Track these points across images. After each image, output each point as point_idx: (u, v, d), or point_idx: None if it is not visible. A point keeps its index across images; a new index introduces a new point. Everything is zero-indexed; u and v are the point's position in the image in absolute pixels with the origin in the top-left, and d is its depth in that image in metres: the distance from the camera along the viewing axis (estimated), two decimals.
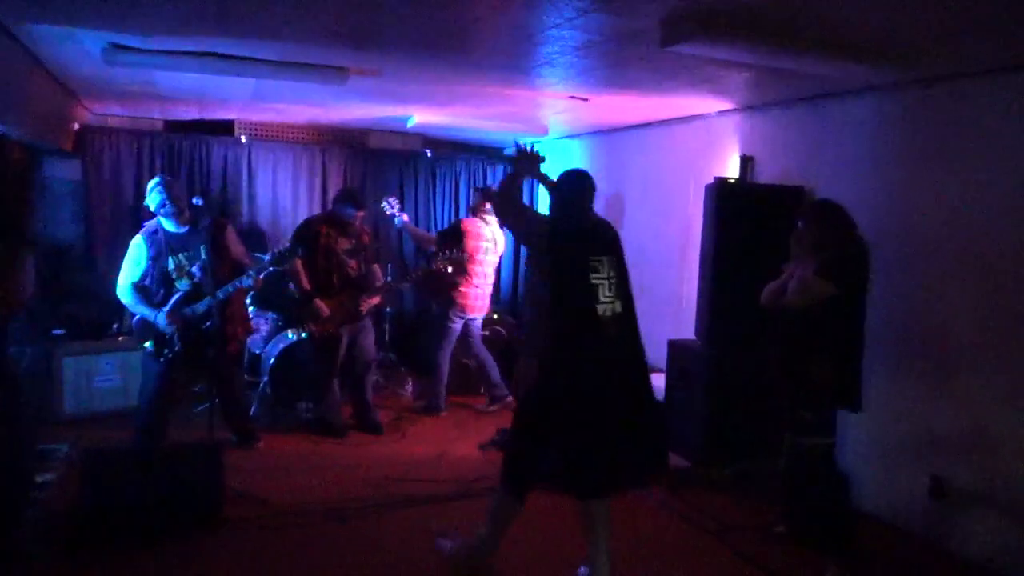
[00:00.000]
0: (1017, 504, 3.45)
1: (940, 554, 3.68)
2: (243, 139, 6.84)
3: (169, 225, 4.27)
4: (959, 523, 3.68)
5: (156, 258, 4.22)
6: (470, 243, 5.63)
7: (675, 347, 4.93)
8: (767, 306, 3.61)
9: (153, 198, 4.23)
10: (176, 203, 4.23)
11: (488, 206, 5.74)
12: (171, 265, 4.23)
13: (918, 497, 3.83)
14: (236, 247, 4.55)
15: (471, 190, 7.43)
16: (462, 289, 5.67)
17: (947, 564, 3.61)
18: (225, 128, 6.91)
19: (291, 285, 5.25)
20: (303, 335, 5.36)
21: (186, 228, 4.29)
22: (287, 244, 4.46)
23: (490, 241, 5.79)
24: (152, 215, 4.38)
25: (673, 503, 4.22)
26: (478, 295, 5.76)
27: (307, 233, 5.05)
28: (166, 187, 4.23)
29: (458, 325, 5.75)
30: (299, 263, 4.91)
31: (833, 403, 3.46)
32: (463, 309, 5.70)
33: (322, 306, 4.97)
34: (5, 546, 3.25)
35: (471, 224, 5.76)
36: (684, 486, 4.42)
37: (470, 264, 5.62)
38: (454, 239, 5.63)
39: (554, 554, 3.58)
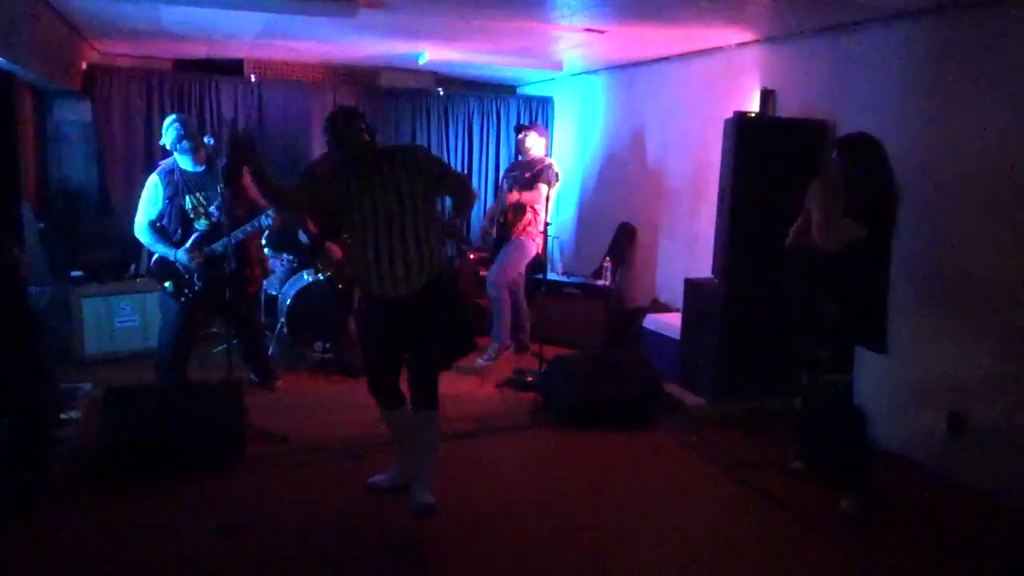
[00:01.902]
0: None
1: (956, 489, 3.69)
2: (253, 78, 6.73)
3: (185, 164, 4.24)
4: (976, 459, 3.68)
5: (173, 197, 4.20)
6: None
7: (691, 285, 4.89)
8: (793, 247, 3.53)
9: (169, 134, 4.19)
10: (193, 139, 4.19)
11: (530, 135, 5.69)
12: (188, 204, 4.22)
13: (936, 434, 3.83)
14: (252, 188, 4.52)
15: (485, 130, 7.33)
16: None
17: (963, 498, 3.62)
18: (234, 68, 6.80)
19: (301, 234, 5.24)
20: (319, 276, 5.36)
21: (202, 167, 4.26)
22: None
23: None
24: (167, 154, 4.35)
25: (689, 440, 4.24)
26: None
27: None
28: (183, 123, 4.20)
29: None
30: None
31: (850, 341, 3.43)
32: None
33: (333, 248, 4.96)
34: (34, 480, 3.33)
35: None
36: (700, 423, 4.45)
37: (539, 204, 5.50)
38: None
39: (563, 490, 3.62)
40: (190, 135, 4.19)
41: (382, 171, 3.11)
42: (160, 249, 4.23)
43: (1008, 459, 3.55)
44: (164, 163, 4.31)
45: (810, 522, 3.34)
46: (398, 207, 3.09)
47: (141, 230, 4.25)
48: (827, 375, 3.44)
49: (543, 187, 5.42)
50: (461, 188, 3.35)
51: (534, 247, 5.61)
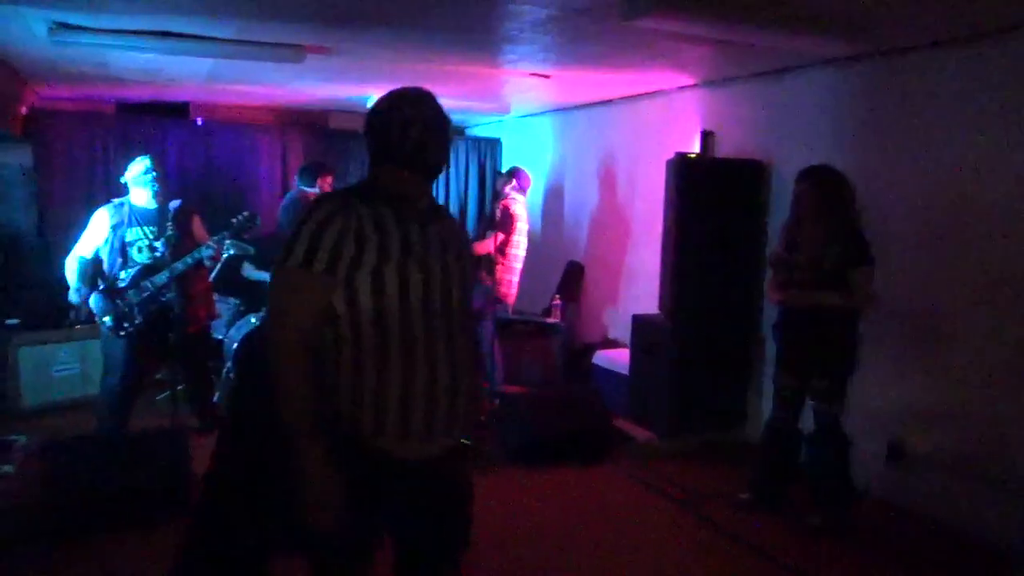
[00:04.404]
0: (975, 467, 3.58)
1: (898, 513, 3.81)
2: (199, 121, 6.69)
3: (140, 199, 4.24)
4: (915, 485, 3.81)
5: (117, 227, 4.16)
6: (516, 225, 5.36)
7: (640, 321, 4.98)
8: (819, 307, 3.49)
9: (138, 170, 4.20)
10: (159, 183, 4.24)
11: (515, 183, 5.53)
12: (131, 237, 4.17)
13: (876, 461, 3.94)
14: (201, 232, 4.53)
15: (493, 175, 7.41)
16: (506, 277, 5.36)
17: (905, 522, 3.74)
18: (180, 110, 6.76)
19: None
20: None
21: (155, 206, 4.25)
22: (245, 214, 4.44)
23: (526, 222, 5.51)
24: (113, 196, 4.33)
25: (640, 474, 4.28)
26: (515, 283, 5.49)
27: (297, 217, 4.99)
28: (153, 165, 4.24)
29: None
30: None
31: (847, 370, 3.51)
32: (506, 298, 5.41)
33: None
34: None
35: (518, 206, 5.42)
36: (651, 457, 4.49)
37: (515, 249, 5.35)
38: (504, 227, 5.29)
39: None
40: (158, 179, 4.25)
41: (441, 223, 1.87)
42: (73, 282, 4.15)
43: (944, 484, 3.68)
44: (116, 200, 4.29)
45: (762, 551, 3.40)
46: (458, 288, 1.83)
47: (70, 258, 4.17)
48: (825, 404, 3.52)
49: (497, 235, 5.30)
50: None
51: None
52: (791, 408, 3.67)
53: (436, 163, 1.84)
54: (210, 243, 4.28)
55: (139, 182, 4.19)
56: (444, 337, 1.75)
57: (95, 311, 4.22)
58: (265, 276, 5.39)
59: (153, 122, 6.46)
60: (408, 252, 1.72)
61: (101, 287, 4.15)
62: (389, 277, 1.68)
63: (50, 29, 3.86)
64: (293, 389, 1.66)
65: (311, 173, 5.23)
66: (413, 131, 1.77)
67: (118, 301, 4.13)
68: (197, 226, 4.50)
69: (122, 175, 4.26)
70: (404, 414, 1.70)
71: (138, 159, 4.25)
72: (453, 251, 1.84)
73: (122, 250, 4.17)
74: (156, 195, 4.23)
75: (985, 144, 3.52)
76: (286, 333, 1.67)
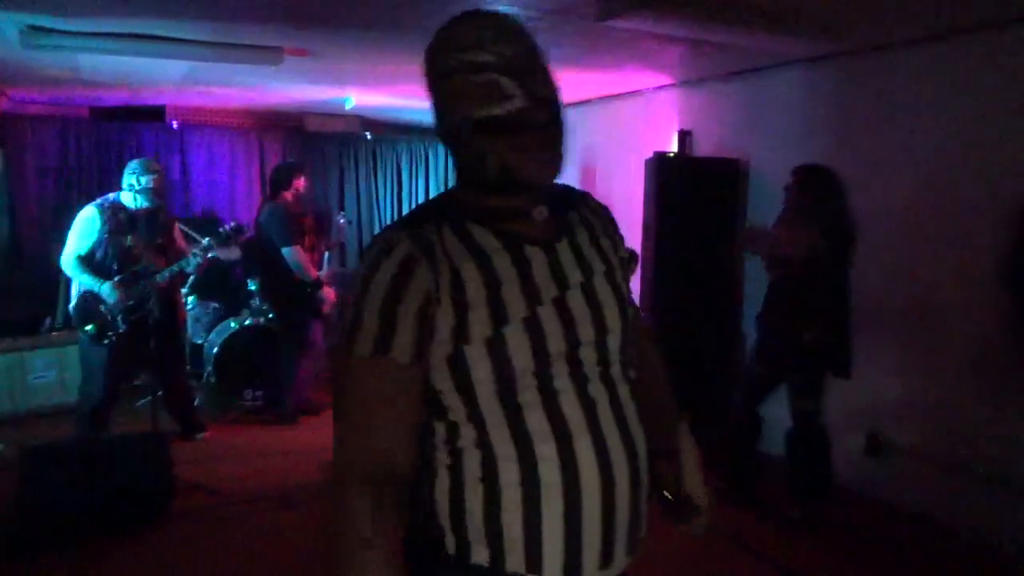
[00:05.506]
0: (953, 459, 3.64)
1: (877, 506, 3.87)
2: (175, 125, 6.64)
3: (131, 201, 4.21)
4: (892, 477, 3.88)
5: (114, 232, 4.12)
6: None
7: None
8: (764, 256, 3.58)
9: (144, 180, 4.19)
10: (162, 196, 4.30)
11: None
12: (130, 242, 4.15)
13: (854, 454, 4.00)
14: (181, 241, 4.54)
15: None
16: None
17: (882, 513, 3.80)
18: (155, 114, 6.69)
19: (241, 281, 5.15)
20: (257, 321, 5.28)
21: (143, 208, 4.23)
22: (232, 224, 4.43)
23: None
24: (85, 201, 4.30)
25: None
26: None
27: (290, 221, 5.01)
28: (159, 175, 4.27)
29: None
30: (301, 251, 4.90)
31: (822, 367, 3.53)
32: None
33: (331, 292, 5.00)
34: None
35: None
36: None
37: None
38: None
39: None
40: (161, 189, 4.29)
41: (572, 230, 1.29)
42: (87, 280, 4.08)
43: (923, 476, 3.74)
44: (104, 198, 4.25)
45: (745, 544, 3.43)
46: (616, 327, 1.22)
47: (68, 262, 4.11)
48: (800, 401, 3.55)
49: None
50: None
51: None
52: (753, 394, 3.70)
53: (540, 180, 1.18)
54: (196, 251, 4.27)
55: (138, 191, 4.19)
56: (611, 413, 1.16)
57: (78, 318, 4.17)
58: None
59: (127, 126, 6.40)
60: (536, 300, 1.12)
61: (89, 282, 4.09)
62: (516, 345, 1.09)
63: (22, 32, 3.81)
64: (357, 537, 1.07)
65: (283, 175, 5.20)
66: (492, 157, 1.12)
67: (102, 308, 4.09)
68: (177, 234, 4.52)
69: (96, 179, 4.23)
70: (571, 542, 1.11)
71: (148, 165, 4.26)
72: (598, 263, 1.24)
73: (124, 256, 4.13)
74: (146, 199, 4.21)
75: (960, 141, 3.59)
76: (353, 464, 1.10)
